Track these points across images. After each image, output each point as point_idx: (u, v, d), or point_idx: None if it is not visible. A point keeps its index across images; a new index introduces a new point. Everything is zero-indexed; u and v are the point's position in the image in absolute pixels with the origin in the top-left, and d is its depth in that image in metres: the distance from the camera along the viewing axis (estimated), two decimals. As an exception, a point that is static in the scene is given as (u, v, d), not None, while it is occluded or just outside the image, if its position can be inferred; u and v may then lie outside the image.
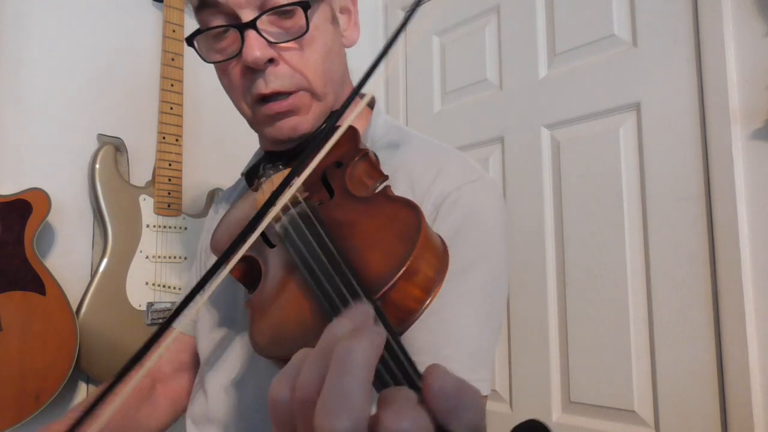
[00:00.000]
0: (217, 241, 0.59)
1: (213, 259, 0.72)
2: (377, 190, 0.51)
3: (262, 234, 0.48)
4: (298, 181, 0.45)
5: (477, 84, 1.69)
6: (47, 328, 1.17)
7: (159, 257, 1.35)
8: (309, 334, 0.38)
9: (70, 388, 1.29)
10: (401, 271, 0.36)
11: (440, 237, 0.43)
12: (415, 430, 0.26)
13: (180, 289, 1.38)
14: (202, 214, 1.46)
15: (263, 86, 0.59)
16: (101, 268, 1.27)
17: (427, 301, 0.38)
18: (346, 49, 0.70)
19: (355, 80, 0.50)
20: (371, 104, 0.73)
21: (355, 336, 0.28)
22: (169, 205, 1.37)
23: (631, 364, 1.26)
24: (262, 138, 0.71)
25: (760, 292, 1.11)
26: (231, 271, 0.49)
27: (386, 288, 0.36)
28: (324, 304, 0.37)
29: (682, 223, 1.22)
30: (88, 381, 1.31)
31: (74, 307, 1.23)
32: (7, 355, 1.13)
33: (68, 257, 1.32)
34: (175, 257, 1.38)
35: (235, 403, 0.62)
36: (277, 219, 0.48)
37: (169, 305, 1.35)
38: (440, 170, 0.61)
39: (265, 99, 0.61)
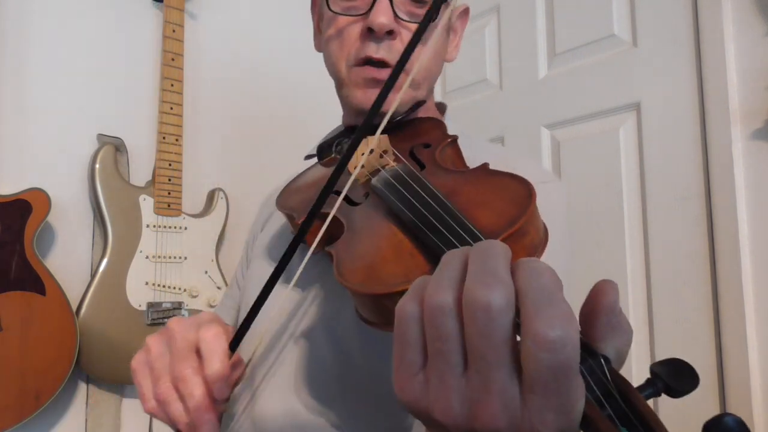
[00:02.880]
0: (294, 205, 0.59)
1: (264, 261, 0.72)
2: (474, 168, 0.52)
3: (338, 192, 0.50)
4: (373, 140, 0.48)
5: (477, 84, 1.69)
6: (47, 328, 1.17)
7: (159, 257, 1.35)
8: (412, 270, 0.38)
9: (70, 388, 1.29)
10: (516, 227, 0.36)
11: None
12: (568, 343, 0.25)
13: (180, 289, 1.38)
14: (202, 214, 1.46)
15: (374, 50, 0.61)
16: (101, 268, 1.27)
17: None
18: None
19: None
20: (442, 110, 0.76)
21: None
22: (169, 205, 1.37)
23: (631, 363, 1.26)
24: (346, 107, 0.71)
25: (760, 292, 1.11)
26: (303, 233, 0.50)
27: (503, 237, 0.35)
28: (437, 245, 0.37)
29: (682, 223, 1.22)
30: (88, 381, 1.31)
31: (74, 307, 1.23)
32: (7, 355, 1.13)
33: (68, 257, 1.32)
34: (175, 257, 1.38)
35: (288, 364, 0.61)
36: (367, 177, 0.49)
37: (169, 305, 1.35)
38: (513, 170, 0.62)
39: (368, 62, 0.62)
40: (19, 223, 1.17)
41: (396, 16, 0.61)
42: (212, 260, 1.45)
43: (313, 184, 0.59)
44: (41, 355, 1.16)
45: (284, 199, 0.62)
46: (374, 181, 0.48)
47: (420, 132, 0.60)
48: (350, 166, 0.51)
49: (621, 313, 0.30)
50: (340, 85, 0.67)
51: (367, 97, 0.62)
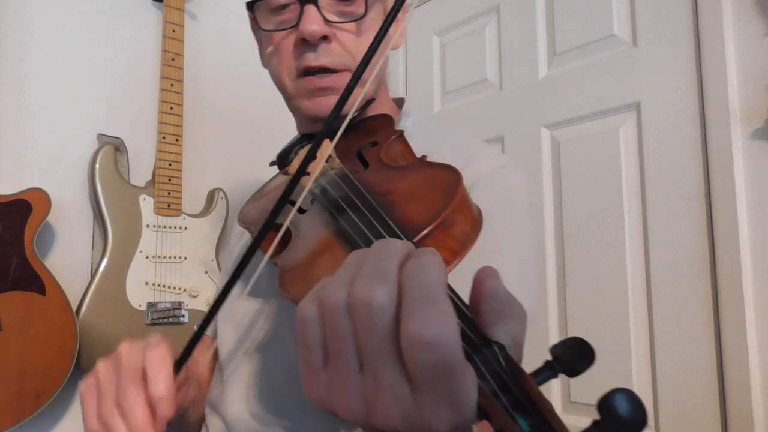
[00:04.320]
0: (252, 218, 0.60)
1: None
2: (411, 162, 0.53)
3: (292, 202, 0.50)
4: (326, 149, 0.48)
5: (477, 84, 1.69)
6: (47, 328, 1.17)
7: (159, 257, 1.35)
8: None
9: (70, 388, 1.29)
10: (439, 219, 0.37)
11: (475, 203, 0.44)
12: (444, 342, 0.25)
13: (180, 289, 1.38)
14: (202, 214, 1.46)
15: (312, 59, 0.61)
16: (101, 268, 1.27)
17: (460, 255, 0.38)
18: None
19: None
20: (400, 104, 0.76)
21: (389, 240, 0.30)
22: (169, 205, 1.37)
23: (631, 364, 1.26)
24: (298, 117, 0.72)
25: (760, 292, 1.11)
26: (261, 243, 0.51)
27: (424, 233, 0.36)
28: (360, 245, 0.38)
29: (682, 223, 1.22)
30: (88, 381, 1.31)
31: (74, 307, 1.23)
32: (7, 355, 1.13)
33: (68, 257, 1.32)
34: (175, 257, 1.38)
35: (258, 371, 0.63)
36: (313, 180, 0.50)
37: (169, 305, 1.35)
38: (472, 156, 0.63)
39: (309, 72, 0.62)
40: (19, 223, 1.17)
41: (326, 20, 0.61)
42: (212, 260, 1.45)
43: (271, 195, 0.59)
44: (41, 355, 1.16)
45: (244, 213, 0.62)
46: (314, 187, 0.49)
47: (369, 131, 0.61)
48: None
49: (508, 298, 0.30)
50: (288, 98, 0.68)
51: (316, 105, 0.63)
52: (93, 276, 1.27)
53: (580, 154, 1.42)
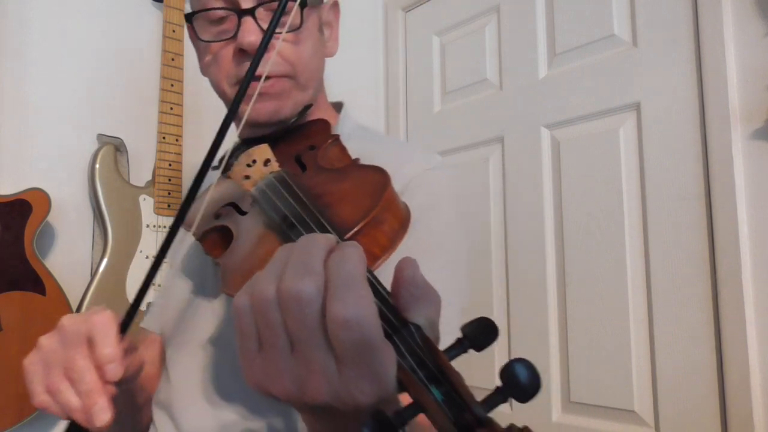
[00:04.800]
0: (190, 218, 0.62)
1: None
2: (345, 165, 0.57)
3: (234, 204, 0.54)
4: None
5: (477, 84, 1.69)
6: (47, 328, 1.16)
7: (159, 257, 1.35)
8: None
9: (70, 388, 1.29)
10: (368, 218, 0.41)
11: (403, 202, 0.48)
12: (363, 322, 0.29)
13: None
14: (202, 214, 1.46)
15: (256, 68, 0.62)
16: (101, 268, 1.27)
17: (390, 250, 0.42)
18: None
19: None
20: (338, 108, 0.78)
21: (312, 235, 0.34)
22: (169, 205, 1.37)
23: (631, 364, 1.26)
24: (237, 122, 0.73)
25: (760, 292, 1.11)
26: (204, 245, 0.55)
27: (355, 230, 0.40)
28: None
29: (682, 223, 1.22)
30: (88, 381, 1.31)
31: (74, 307, 1.23)
32: (7, 355, 1.13)
33: (68, 257, 1.32)
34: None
35: (205, 368, 0.64)
36: (252, 185, 0.53)
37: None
38: (404, 160, 0.66)
39: (245, 84, 0.62)
40: (19, 223, 1.17)
41: (263, 31, 0.62)
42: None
43: (214, 199, 0.61)
44: (41, 355, 1.16)
45: (190, 214, 0.64)
46: (253, 190, 0.51)
47: (307, 135, 0.63)
48: (237, 177, 0.55)
49: (425, 285, 0.33)
50: (228, 103, 0.70)
51: (256, 110, 0.64)
52: (93, 276, 1.27)
53: (580, 154, 1.42)
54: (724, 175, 1.15)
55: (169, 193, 1.38)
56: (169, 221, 1.38)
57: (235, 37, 0.62)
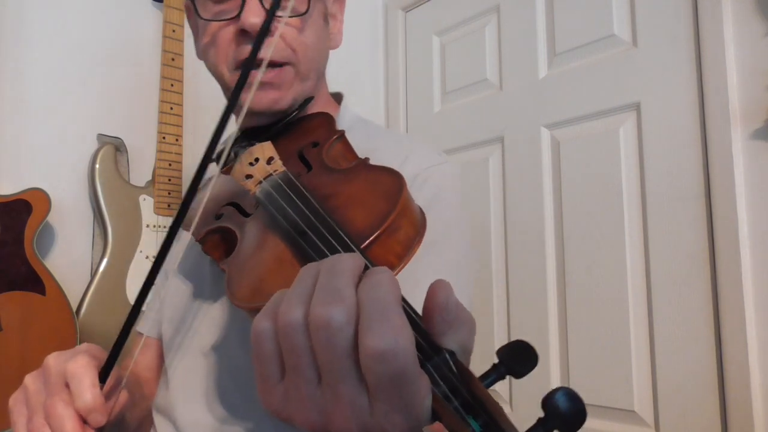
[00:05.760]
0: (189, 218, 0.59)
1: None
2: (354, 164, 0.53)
3: (237, 205, 0.52)
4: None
5: (477, 84, 1.69)
6: (47, 328, 1.17)
7: (159, 257, 1.35)
8: (291, 282, 0.39)
9: (70, 388, 1.29)
10: (385, 225, 0.38)
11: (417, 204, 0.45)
12: (399, 353, 0.27)
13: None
14: (202, 214, 1.46)
15: (258, 51, 0.59)
16: (101, 268, 1.27)
17: (406, 258, 0.40)
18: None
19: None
20: (339, 100, 0.76)
21: (342, 255, 0.32)
22: (169, 205, 1.37)
23: (631, 364, 1.26)
24: (239, 111, 0.72)
25: (760, 292, 1.11)
26: (204, 246, 0.53)
27: (371, 239, 0.37)
28: (310, 254, 0.38)
29: (682, 223, 1.22)
30: (88, 381, 1.31)
31: (74, 307, 1.23)
32: (7, 355, 1.13)
33: (68, 257, 1.32)
34: (175, 257, 1.38)
35: (205, 375, 0.63)
36: (255, 184, 0.50)
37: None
38: (408, 154, 0.64)
39: (248, 65, 0.61)
40: (19, 223, 1.17)
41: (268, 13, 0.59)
42: (212, 260, 1.45)
43: (213, 197, 0.58)
44: (41, 355, 1.16)
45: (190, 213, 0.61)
46: (258, 192, 0.49)
47: (309, 130, 0.60)
48: (238, 176, 0.52)
49: (458, 308, 0.31)
50: (226, 89, 0.67)
51: (256, 99, 0.61)
52: (93, 276, 1.27)
53: (580, 154, 1.42)
54: (724, 175, 1.15)
55: (169, 193, 1.38)
56: (169, 221, 1.38)
57: (237, 17, 0.60)
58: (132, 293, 1.30)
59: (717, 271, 1.16)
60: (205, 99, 1.56)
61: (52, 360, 0.50)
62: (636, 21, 1.35)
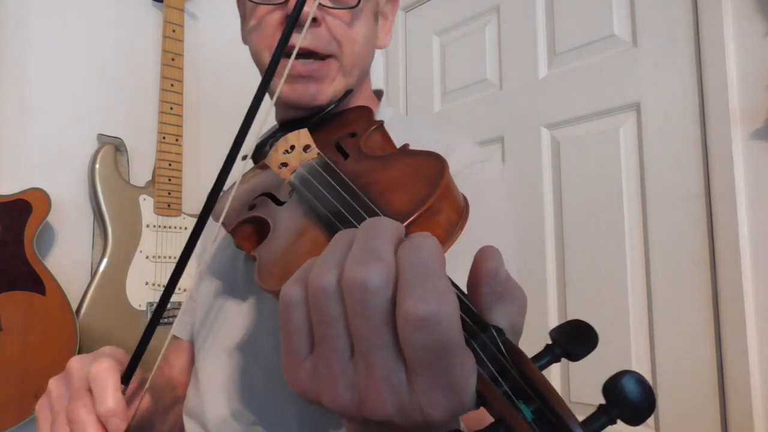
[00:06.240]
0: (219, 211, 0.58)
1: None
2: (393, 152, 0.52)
3: (271, 195, 0.50)
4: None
5: (477, 84, 1.69)
6: (47, 328, 1.17)
7: (159, 257, 1.35)
8: None
9: (70, 388, 1.29)
10: (425, 206, 0.36)
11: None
12: (442, 319, 0.24)
13: (180, 289, 1.38)
14: (202, 214, 1.46)
15: (298, 39, 0.58)
16: (101, 268, 1.27)
17: (447, 244, 0.37)
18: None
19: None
20: (379, 96, 0.74)
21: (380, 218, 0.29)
22: (169, 205, 1.37)
23: (631, 364, 1.26)
24: (276, 101, 0.71)
25: (760, 292, 1.11)
26: (236, 238, 0.51)
27: (410, 220, 0.35)
28: None
29: (682, 223, 1.22)
30: (88, 381, 1.31)
31: (74, 307, 1.23)
32: (7, 355, 1.13)
33: (68, 257, 1.32)
34: (174, 257, 1.38)
35: (236, 375, 0.62)
36: (291, 172, 0.48)
37: (169, 305, 1.35)
38: (451, 149, 0.61)
39: (292, 54, 0.59)
40: (19, 223, 1.17)
41: (318, 2, 0.58)
42: (212, 260, 1.45)
43: (247, 189, 0.57)
44: (41, 355, 1.16)
45: (219, 207, 0.59)
46: (292, 178, 0.47)
47: (347, 122, 0.59)
48: (273, 164, 0.51)
49: (508, 279, 0.28)
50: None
51: (293, 91, 0.60)
52: (93, 276, 1.27)
53: (580, 154, 1.42)
54: (724, 175, 1.15)
55: (169, 193, 1.38)
56: (169, 221, 1.38)
57: (285, 3, 0.58)
58: (132, 293, 1.31)
59: (717, 271, 1.16)
60: (205, 99, 1.56)
61: (75, 363, 0.49)
62: (636, 21, 1.35)
